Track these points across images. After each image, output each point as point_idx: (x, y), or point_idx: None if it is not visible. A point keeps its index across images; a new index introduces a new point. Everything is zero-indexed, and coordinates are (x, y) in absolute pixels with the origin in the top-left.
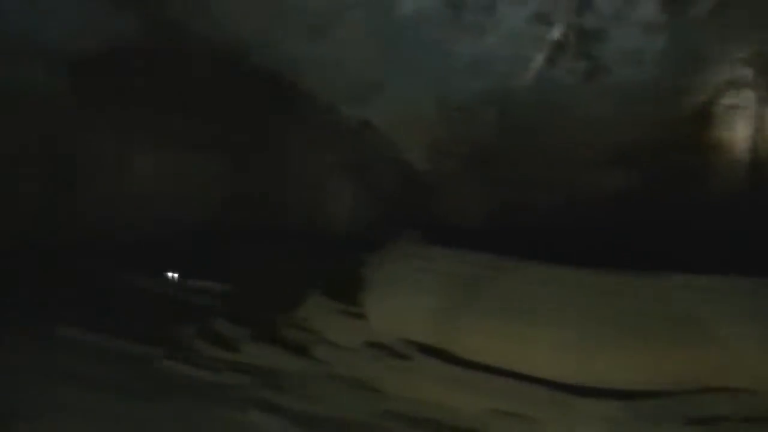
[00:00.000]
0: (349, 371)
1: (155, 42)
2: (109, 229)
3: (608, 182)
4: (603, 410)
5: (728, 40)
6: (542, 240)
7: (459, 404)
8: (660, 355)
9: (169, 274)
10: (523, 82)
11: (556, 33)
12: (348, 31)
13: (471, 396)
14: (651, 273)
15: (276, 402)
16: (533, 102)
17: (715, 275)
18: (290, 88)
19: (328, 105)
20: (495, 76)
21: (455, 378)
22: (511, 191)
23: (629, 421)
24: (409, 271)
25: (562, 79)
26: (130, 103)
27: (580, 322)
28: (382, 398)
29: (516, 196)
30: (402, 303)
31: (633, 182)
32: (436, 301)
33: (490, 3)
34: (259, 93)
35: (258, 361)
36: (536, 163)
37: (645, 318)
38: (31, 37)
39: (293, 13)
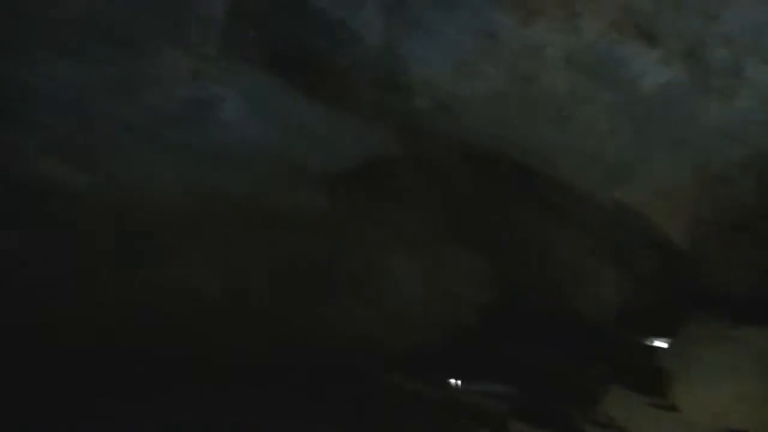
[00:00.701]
0: None
1: (404, 149)
2: (378, 337)
3: None
4: None
5: None
6: None
7: None
8: None
9: (450, 380)
10: None
11: None
12: (594, 113)
13: None
14: None
15: None
16: None
17: None
18: (539, 177)
19: (580, 189)
20: (750, 140)
21: None
22: None
23: None
24: (720, 354)
25: None
26: (386, 212)
27: None
28: None
29: None
30: (718, 389)
31: None
32: (756, 384)
33: (736, 65)
34: (509, 185)
35: None
36: None
37: None
38: (292, 160)
39: (538, 102)
